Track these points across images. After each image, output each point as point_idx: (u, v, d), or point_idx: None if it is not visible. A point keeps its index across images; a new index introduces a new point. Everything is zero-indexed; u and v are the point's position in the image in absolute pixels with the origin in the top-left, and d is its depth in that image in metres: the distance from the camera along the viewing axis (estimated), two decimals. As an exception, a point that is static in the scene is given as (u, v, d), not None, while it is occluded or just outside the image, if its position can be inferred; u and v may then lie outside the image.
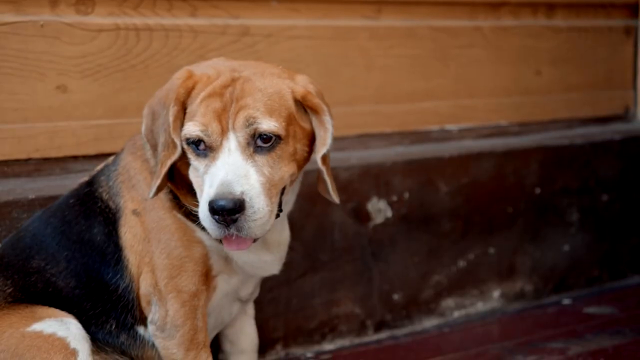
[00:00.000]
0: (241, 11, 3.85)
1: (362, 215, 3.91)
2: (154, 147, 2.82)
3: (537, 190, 4.45)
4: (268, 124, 2.68)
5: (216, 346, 3.26)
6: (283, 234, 3.04)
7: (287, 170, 2.75)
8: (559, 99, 4.88)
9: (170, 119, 2.73)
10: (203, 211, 2.64)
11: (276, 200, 2.73)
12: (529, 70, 4.76)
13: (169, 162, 2.74)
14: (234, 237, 2.68)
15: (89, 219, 2.91)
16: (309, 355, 3.79)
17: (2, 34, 3.32)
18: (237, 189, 2.61)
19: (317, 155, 2.83)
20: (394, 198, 3.99)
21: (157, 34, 3.63)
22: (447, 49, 4.45)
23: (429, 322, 4.15)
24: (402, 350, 3.86)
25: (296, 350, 3.79)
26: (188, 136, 2.70)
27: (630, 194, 4.80)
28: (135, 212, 2.87)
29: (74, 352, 2.73)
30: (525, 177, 4.42)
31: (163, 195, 2.86)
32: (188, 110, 2.75)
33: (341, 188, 3.83)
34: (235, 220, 2.61)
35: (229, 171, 2.63)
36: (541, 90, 4.81)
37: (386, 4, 4.25)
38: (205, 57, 3.70)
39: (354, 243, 3.90)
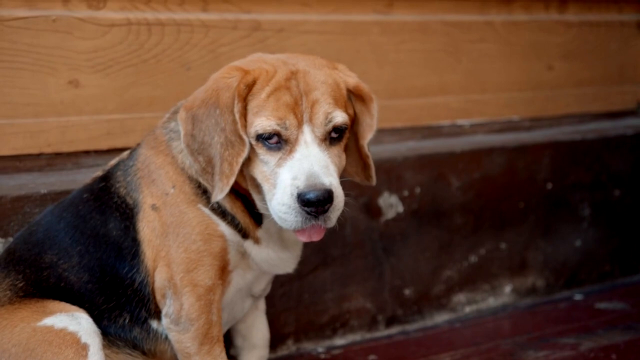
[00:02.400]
0: (253, 6, 3.85)
1: (373, 210, 3.91)
2: (197, 152, 2.80)
3: (549, 185, 4.45)
4: (342, 117, 2.78)
5: (228, 341, 3.27)
6: None
7: (344, 157, 2.87)
8: (571, 93, 4.87)
9: (237, 116, 2.74)
10: (284, 202, 2.68)
11: None
12: (541, 65, 4.75)
13: (240, 160, 2.75)
14: (308, 228, 2.73)
15: (104, 213, 2.92)
16: (320, 350, 3.79)
17: (14, 29, 3.33)
18: (326, 180, 2.68)
19: (365, 141, 2.94)
20: (406, 193, 3.99)
21: (169, 28, 3.63)
22: (459, 44, 4.44)
23: (440, 317, 4.15)
24: (413, 345, 3.86)
25: (307, 345, 3.79)
26: (262, 131, 2.73)
27: (642, 189, 4.79)
28: (154, 207, 2.87)
29: (85, 347, 2.73)
30: (537, 172, 4.41)
31: (189, 188, 2.86)
32: (251, 106, 2.77)
33: (352, 183, 3.82)
34: (325, 211, 2.67)
35: (314, 163, 2.69)
36: (553, 85, 4.80)
37: (398, -2, 4.26)
38: (217, 52, 3.70)
39: (365, 238, 3.90)
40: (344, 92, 2.86)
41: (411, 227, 4.02)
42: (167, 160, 2.90)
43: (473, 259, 4.22)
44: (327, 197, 2.65)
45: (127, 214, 2.89)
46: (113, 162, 3.03)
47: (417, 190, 4.02)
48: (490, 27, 4.55)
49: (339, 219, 3.77)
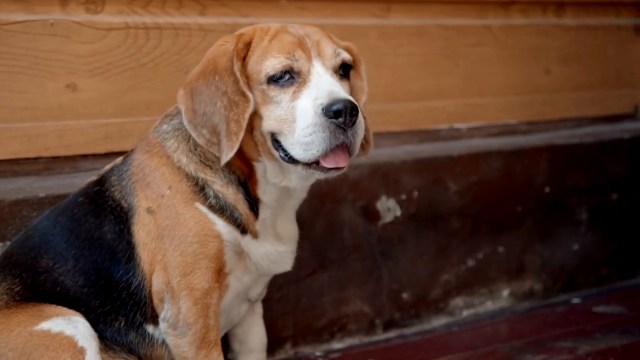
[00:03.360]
0: (250, 10, 3.85)
1: (371, 214, 3.92)
2: (200, 126, 2.81)
3: (547, 189, 4.45)
4: (347, 55, 2.86)
5: (225, 345, 3.27)
6: (294, 227, 3.07)
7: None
8: (568, 97, 4.88)
9: (237, 73, 2.78)
10: (312, 122, 2.70)
11: None
12: (538, 69, 4.75)
13: (246, 116, 2.77)
14: (332, 155, 2.72)
15: (99, 217, 2.92)
16: (318, 354, 3.79)
17: (12, 33, 3.33)
18: (347, 95, 2.72)
19: (360, 103, 2.95)
20: (403, 197, 3.99)
21: (167, 32, 3.64)
22: (457, 48, 4.44)
23: (438, 321, 4.15)
24: (411, 349, 3.86)
25: (305, 349, 3.79)
26: (272, 72, 2.77)
27: (639, 192, 4.79)
28: (149, 210, 2.87)
29: (81, 351, 2.73)
30: (535, 175, 4.41)
31: (185, 187, 2.86)
32: (253, 59, 2.82)
33: (350, 186, 3.83)
34: (353, 124, 2.69)
35: (332, 84, 2.75)
36: (550, 89, 4.80)
37: (395, 2, 4.25)
38: (215, 56, 3.70)
39: (363, 242, 3.90)
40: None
41: (409, 230, 4.02)
42: (162, 162, 2.90)
43: (471, 262, 4.22)
44: (353, 106, 2.68)
45: (122, 217, 2.89)
46: (107, 167, 3.03)
47: (415, 194, 4.02)
48: (488, 30, 4.56)
49: (337, 221, 3.80)
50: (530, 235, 4.41)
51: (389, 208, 3.96)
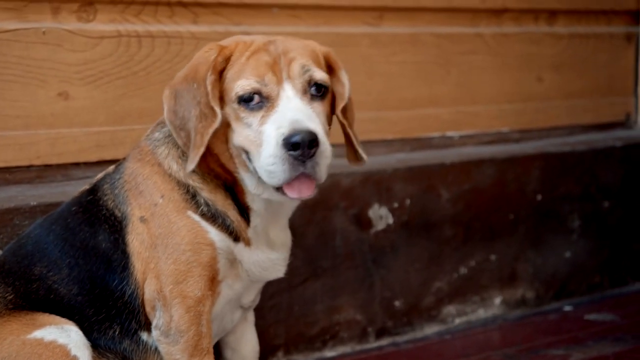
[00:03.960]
0: (243, 18, 3.86)
1: (363, 222, 3.92)
2: (179, 128, 2.82)
3: (539, 197, 4.46)
4: (320, 74, 2.81)
5: (217, 353, 3.26)
6: (287, 235, 3.07)
7: (330, 121, 2.89)
8: (560, 105, 4.89)
9: (209, 87, 2.77)
10: (272, 154, 2.68)
11: None
12: (531, 77, 4.76)
13: (210, 131, 2.76)
14: (297, 184, 2.71)
15: (93, 226, 2.91)
16: (310, 362, 3.80)
17: (4, 41, 3.33)
18: (310, 125, 2.68)
19: (337, 109, 2.93)
20: (395, 204, 3.99)
21: (159, 40, 3.64)
22: (449, 56, 4.45)
23: (430, 329, 4.15)
24: (403, 357, 3.86)
25: (297, 357, 3.79)
26: (242, 93, 2.75)
27: (631, 200, 4.80)
28: (142, 219, 2.87)
29: (74, 359, 2.73)
30: (527, 183, 4.42)
31: (177, 195, 2.86)
32: (230, 75, 2.80)
33: (342, 194, 3.83)
34: (312, 156, 2.66)
35: (296, 111, 2.71)
36: (542, 97, 4.81)
37: (388, 10, 4.26)
38: (207, 64, 3.70)
39: (355, 249, 3.91)
40: (323, 60, 2.92)
41: (401, 238, 4.03)
42: (154, 170, 2.90)
43: (463, 270, 4.22)
44: (312, 139, 2.65)
45: (116, 227, 2.89)
46: (99, 176, 3.03)
47: (407, 201, 4.03)
48: (481, 39, 4.56)
49: (329, 229, 3.80)
50: (523, 243, 4.41)
51: (381, 216, 3.96)
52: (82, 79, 3.48)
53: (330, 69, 2.94)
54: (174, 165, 2.88)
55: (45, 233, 2.95)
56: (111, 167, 3.03)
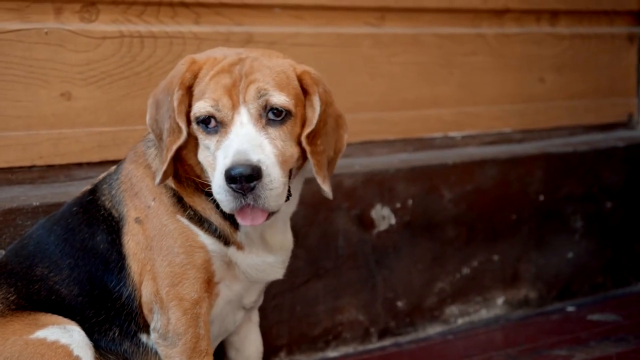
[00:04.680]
0: (245, 18, 3.86)
1: (365, 222, 3.92)
2: (159, 137, 2.82)
3: (541, 198, 4.45)
4: (279, 98, 2.72)
5: (221, 354, 3.26)
6: (286, 237, 3.04)
7: (295, 150, 2.78)
8: (562, 106, 4.88)
9: (175, 103, 2.75)
10: (218, 183, 2.65)
11: (287, 176, 2.74)
12: (533, 78, 4.76)
13: (174, 147, 2.75)
14: (249, 211, 2.68)
15: (92, 226, 2.91)
16: (312, 362, 3.80)
17: (6, 42, 3.33)
18: (254, 157, 2.62)
19: (303, 134, 2.81)
20: (398, 205, 3.99)
21: (161, 41, 3.64)
22: (451, 57, 4.45)
23: (433, 330, 4.15)
24: (406, 357, 3.86)
25: (300, 358, 3.79)
26: (198, 114, 2.72)
27: (633, 201, 4.79)
28: (137, 220, 2.87)
29: (77, 359, 2.73)
30: (529, 184, 4.42)
31: (166, 199, 2.86)
32: (196, 92, 2.77)
33: (345, 195, 3.83)
34: (252, 189, 2.62)
35: (244, 141, 2.65)
36: (544, 98, 4.81)
37: (390, 11, 4.26)
38: (209, 65, 3.70)
39: (358, 250, 3.90)
40: (296, 82, 2.82)
41: (403, 239, 4.02)
42: (146, 172, 2.90)
43: (465, 271, 4.22)
44: (251, 172, 2.60)
45: (113, 227, 2.89)
46: (101, 176, 3.03)
47: (410, 202, 4.02)
48: (483, 39, 4.56)
49: (331, 230, 3.80)
50: (525, 243, 4.41)
51: (383, 216, 3.96)
52: (85, 80, 3.48)
53: (304, 91, 2.85)
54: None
55: (46, 234, 2.95)
56: (112, 168, 3.03)
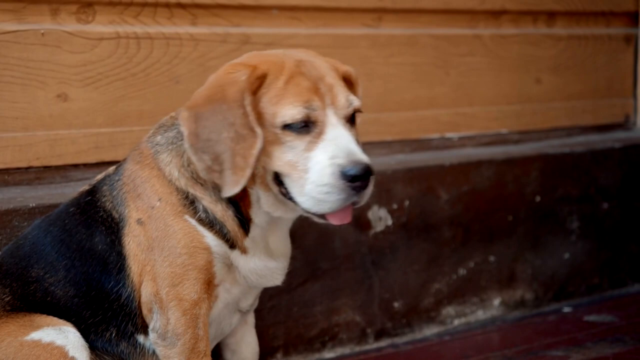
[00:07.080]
0: (242, 20, 3.86)
1: (362, 223, 3.92)
2: (201, 151, 2.76)
3: (538, 198, 4.46)
4: (358, 101, 2.83)
5: (217, 356, 3.26)
6: (287, 244, 3.06)
7: None
8: (559, 107, 4.89)
9: (248, 108, 2.72)
10: (324, 182, 2.68)
11: None
12: (529, 79, 4.76)
13: (253, 152, 2.72)
14: (343, 210, 2.74)
15: (90, 227, 2.91)
16: (309, 363, 3.80)
17: (3, 43, 3.33)
18: (363, 157, 2.72)
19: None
20: (395, 206, 3.99)
21: (158, 42, 3.64)
22: (448, 57, 4.45)
23: (430, 330, 4.15)
24: (402, 358, 3.86)
25: (296, 359, 3.79)
26: (291, 121, 2.72)
27: (630, 202, 4.80)
28: (139, 222, 2.86)
29: (72, 361, 2.74)
30: (526, 185, 4.42)
31: (175, 199, 2.85)
32: (267, 97, 2.76)
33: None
34: (366, 186, 2.71)
35: (349, 141, 2.73)
36: (541, 99, 4.81)
37: (386, 12, 4.26)
38: (206, 66, 3.71)
39: (355, 251, 3.90)
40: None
41: (400, 240, 4.03)
42: (152, 174, 2.89)
43: (462, 272, 4.22)
44: (369, 171, 2.69)
45: (113, 228, 2.89)
46: (99, 176, 3.02)
47: (406, 203, 4.03)
48: (479, 40, 4.57)
49: (328, 231, 3.80)
50: (522, 244, 4.41)
51: (380, 217, 3.96)
52: (81, 81, 3.49)
53: (349, 84, 2.93)
54: (175, 173, 2.86)
55: (42, 234, 2.95)
56: (111, 168, 3.02)
